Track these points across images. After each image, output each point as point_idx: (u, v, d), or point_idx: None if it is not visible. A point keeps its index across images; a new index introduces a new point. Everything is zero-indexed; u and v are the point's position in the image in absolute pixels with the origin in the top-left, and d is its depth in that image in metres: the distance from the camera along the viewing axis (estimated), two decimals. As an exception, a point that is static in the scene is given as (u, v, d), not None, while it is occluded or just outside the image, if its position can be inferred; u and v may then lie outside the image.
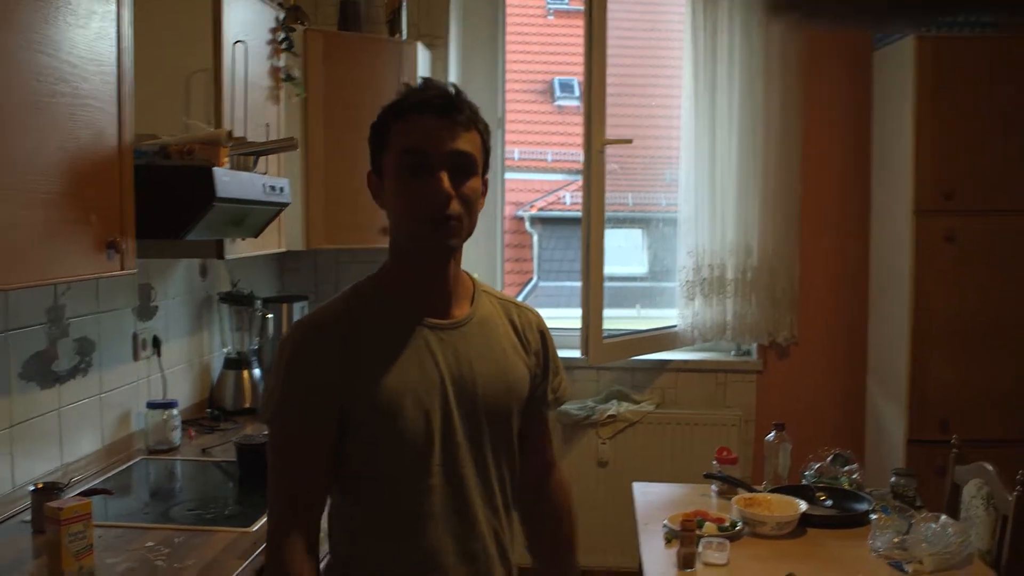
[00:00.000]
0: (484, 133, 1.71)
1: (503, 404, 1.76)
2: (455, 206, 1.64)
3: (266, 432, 3.13)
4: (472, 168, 1.67)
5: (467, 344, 1.74)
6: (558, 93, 10.80)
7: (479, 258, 4.80)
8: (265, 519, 2.46)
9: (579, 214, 4.15)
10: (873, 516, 2.84)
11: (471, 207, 1.68)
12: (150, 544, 2.30)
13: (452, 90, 1.71)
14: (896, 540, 2.68)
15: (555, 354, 1.92)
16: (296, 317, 4.21)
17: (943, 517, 2.70)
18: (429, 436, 1.67)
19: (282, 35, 3.47)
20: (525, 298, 8.96)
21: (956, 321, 3.96)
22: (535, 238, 10.30)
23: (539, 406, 1.90)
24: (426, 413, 1.67)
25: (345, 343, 1.67)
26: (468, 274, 1.84)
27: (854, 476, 3.23)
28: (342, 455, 1.69)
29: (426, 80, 1.77)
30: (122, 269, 2.33)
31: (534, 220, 10.28)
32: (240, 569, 2.18)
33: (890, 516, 2.80)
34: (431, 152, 1.63)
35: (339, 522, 1.77)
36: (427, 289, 1.74)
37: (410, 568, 1.70)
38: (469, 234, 1.71)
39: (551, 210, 10.26)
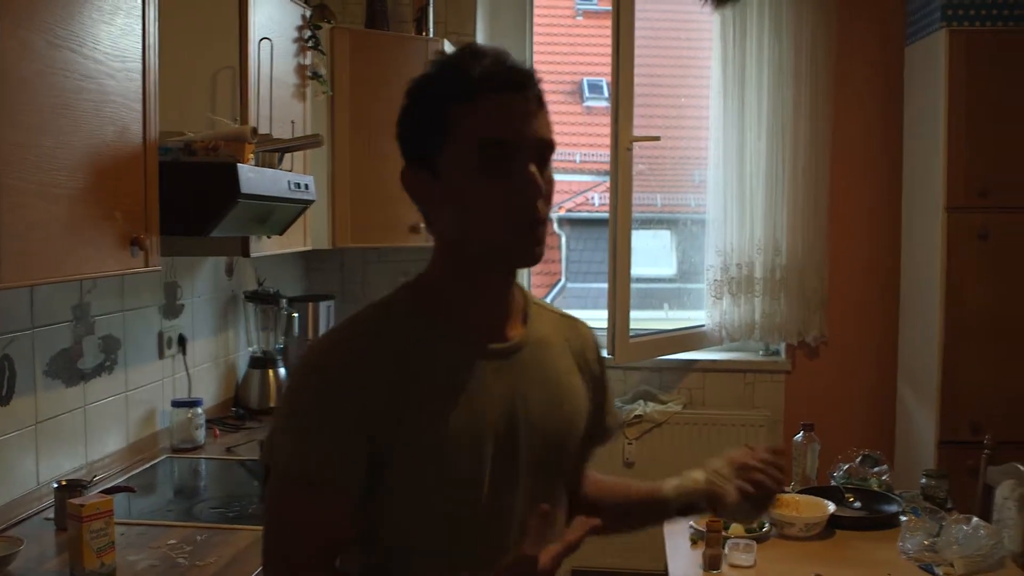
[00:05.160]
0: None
1: (561, 438, 1.50)
2: (544, 207, 1.36)
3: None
4: (550, 158, 1.39)
5: (523, 371, 1.46)
6: (587, 94, 10.77)
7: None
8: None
9: (607, 215, 4.13)
10: (903, 518, 2.81)
11: (550, 211, 1.40)
12: (172, 542, 2.31)
13: (511, 57, 1.39)
14: (927, 542, 2.65)
15: (607, 371, 1.67)
16: (322, 317, 4.22)
17: (975, 519, 2.66)
18: (476, 481, 1.39)
19: (308, 33, 3.47)
20: (553, 300, 8.95)
21: (988, 320, 3.91)
22: (563, 239, 10.29)
23: (594, 433, 1.63)
24: (475, 455, 1.39)
25: (373, 375, 1.35)
26: (519, 286, 1.54)
27: (884, 477, 3.19)
28: (370, 502, 1.39)
29: (472, 47, 1.40)
30: (146, 266, 2.32)
31: (562, 221, 10.26)
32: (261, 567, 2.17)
33: (920, 518, 2.78)
34: (517, 141, 1.33)
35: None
36: (483, 307, 1.45)
37: None
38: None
39: (580, 211, 10.24)
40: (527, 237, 1.35)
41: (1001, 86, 3.87)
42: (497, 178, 1.33)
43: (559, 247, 10.27)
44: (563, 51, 10.29)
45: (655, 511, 1.70)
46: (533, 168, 1.33)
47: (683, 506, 1.65)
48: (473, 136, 1.32)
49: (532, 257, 1.38)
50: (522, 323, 1.50)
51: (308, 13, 3.50)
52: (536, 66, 4.90)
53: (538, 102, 1.36)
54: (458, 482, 1.38)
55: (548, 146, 1.37)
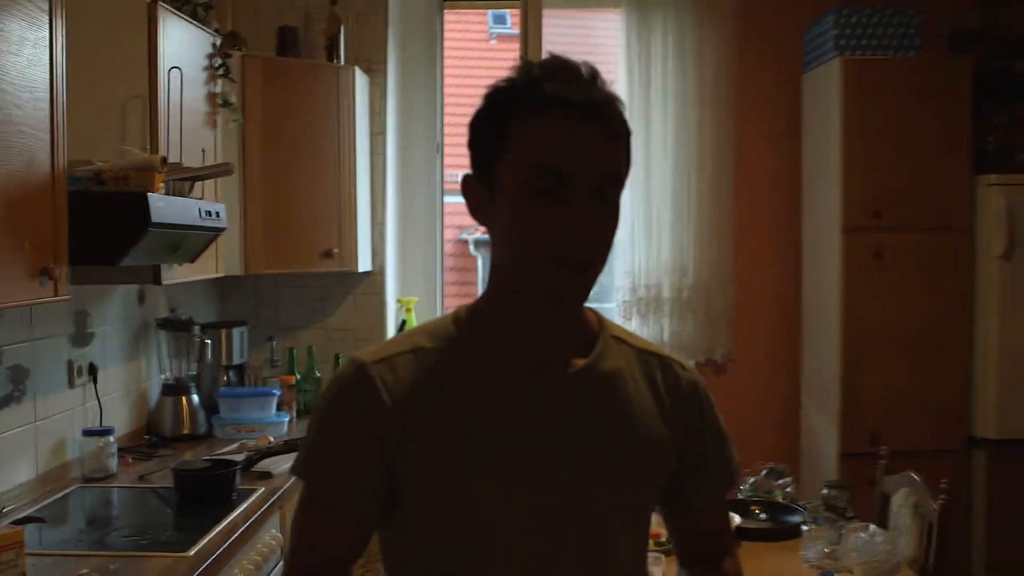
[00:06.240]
0: (630, 137, 1.31)
1: (619, 487, 1.34)
2: (596, 245, 1.25)
3: (206, 458, 3.14)
4: (618, 199, 1.28)
5: (578, 402, 1.33)
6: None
7: (420, 284, 4.85)
8: (205, 541, 2.49)
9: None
10: (805, 528, 2.90)
11: (608, 249, 1.29)
12: (84, 571, 2.28)
13: (599, 77, 1.27)
14: (827, 550, 2.74)
15: (716, 422, 1.49)
16: (235, 343, 4.21)
17: (872, 527, 2.77)
18: (507, 526, 1.29)
19: (219, 61, 3.49)
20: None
21: (884, 335, 4.07)
22: (480, 261, 10.34)
23: (700, 481, 1.47)
24: (504, 502, 1.28)
25: (404, 396, 1.29)
26: (595, 313, 1.43)
27: (788, 489, 3.29)
28: (393, 523, 1.35)
29: (556, 60, 1.28)
30: (56, 295, 2.32)
31: (478, 243, 10.31)
32: None
33: (821, 527, 2.87)
34: (576, 174, 1.22)
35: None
36: (532, 335, 1.34)
37: None
38: (599, 274, 1.31)
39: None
40: (568, 278, 1.26)
41: (892, 111, 4.05)
42: (547, 207, 1.22)
43: (476, 269, 10.33)
44: (477, 74, 10.37)
45: None
46: (589, 206, 1.23)
47: None
48: (529, 158, 1.23)
49: (566, 298, 1.30)
50: (587, 352, 1.37)
51: (218, 41, 3.52)
52: (448, 90, 5.00)
53: (610, 131, 1.25)
54: (486, 518, 1.28)
55: (612, 179, 1.26)
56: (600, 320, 1.42)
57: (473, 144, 1.30)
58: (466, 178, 1.32)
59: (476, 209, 1.32)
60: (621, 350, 1.40)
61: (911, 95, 4.05)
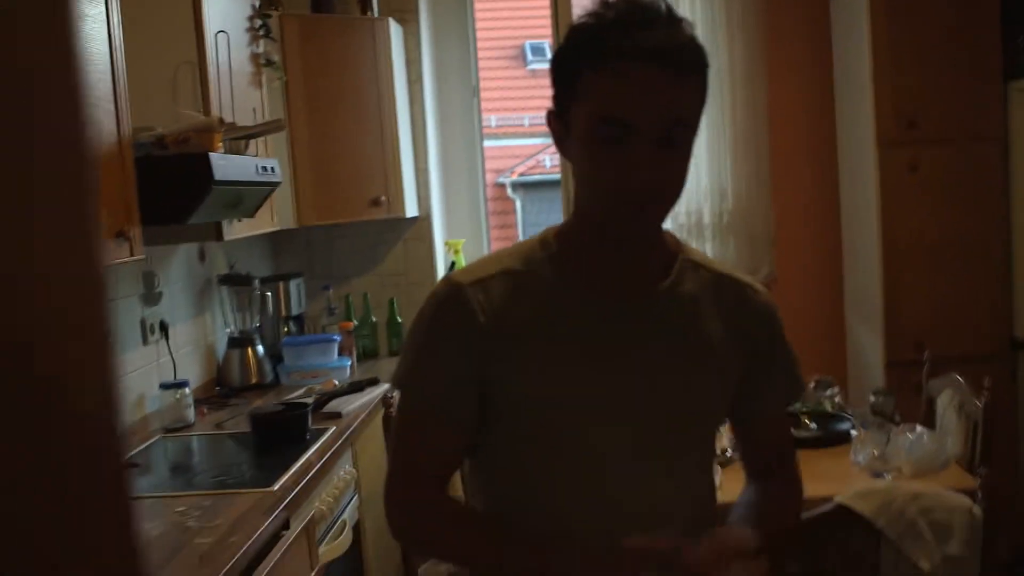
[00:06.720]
0: (706, 71, 1.33)
1: (692, 404, 1.43)
2: (662, 187, 1.31)
3: (277, 403, 3.29)
4: (687, 140, 1.32)
5: (654, 327, 1.42)
6: (530, 57, 10.87)
7: (465, 226, 4.96)
8: (286, 477, 2.64)
9: (559, 176, 4.27)
10: (854, 433, 3.01)
11: (677, 187, 1.34)
12: (180, 509, 2.46)
13: (673, 18, 1.29)
14: (876, 453, 2.85)
15: (784, 343, 1.56)
16: (293, 294, 4.37)
17: (919, 427, 2.87)
18: (588, 439, 1.39)
19: (259, 22, 3.60)
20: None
21: (923, 245, 4.09)
22: (518, 203, 10.41)
23: (768, 397, 1.55)
24: (587, 413, 1.38)
25: (498, 319, 1.39)
26: (673, 237, 1.50)
27: (836, 399, 3.40)
28: (479, 445, 1.46)
29: (632, 2, 1.30)
30: (132, 256, 2.48)
31: (516, 186, 10.37)
32: (267, 523, 2.34)
33: (869, 431, 2.98)
34: (640, 124, 1.27)
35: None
36: (614, 259, 1.42)
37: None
38: (670, 209, 1.39)
39: (532, 175, 10.35)
40: (635, 216, 1.32)
41: (921, 19, 4.00)
42: (611, 153, 1.28)
43: (515, 211, 10.40)
44: (504, 15, 10.37)
45: None
46: (653, 151, 1.26)
47: None
48: (594, 109, 1.29)
49: (639, 235, 1.38)
50: (667, 278, 1.44)
51: (257, 3, 3.63)
52: (479, 32, 5.07)
53: (679, 75, 1.27)
54: (565, 434, 1.38)
55: (679, 124, 1.30)
56: (678, 244, 1.49)
57: (553, 84, 1.36)
58: (549, 113, 1.39)
59: (558, 143, 1.40)
60: (697, 274, 1.47)
61: (939, 2, 4.05)
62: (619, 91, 1.26)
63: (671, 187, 1.32)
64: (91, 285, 0.52)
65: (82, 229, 0.51)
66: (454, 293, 1.41)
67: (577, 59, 1.31)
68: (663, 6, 1.29)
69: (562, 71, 1.34)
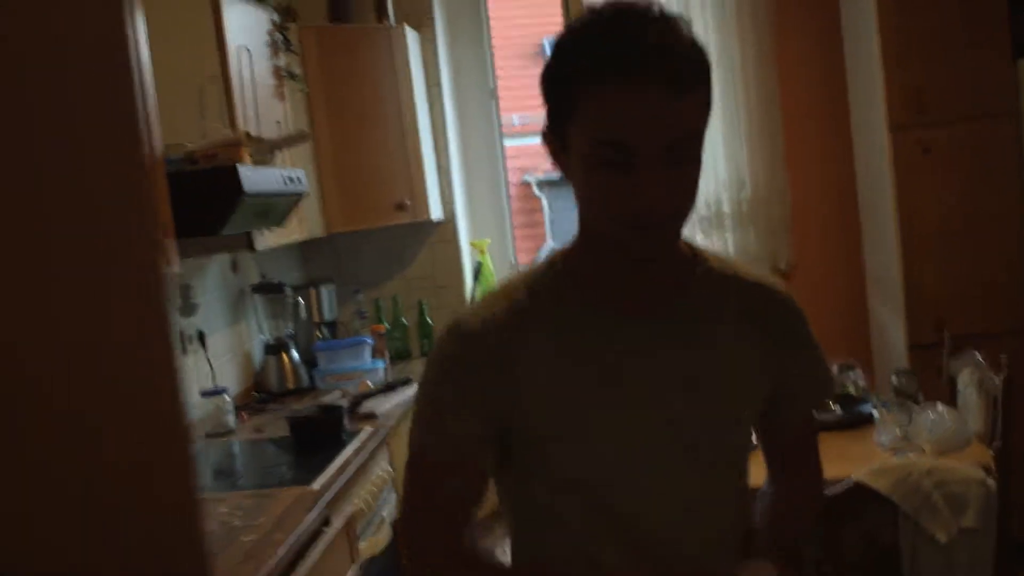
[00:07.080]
0: (710, 79, 1.25)
1: (718, 415, 1.38)
2: (674, 207, 1.24)
3: (314, 406, 3.37)
4: (696, 151, 1.25)
5: (674, 342, 1.36)
6: (548, 53, 10.90)
7: (490, 227, 5.04)
8: (325, 476, 2.73)
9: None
10: (875, 413, 3.06)
11: (690, 199, 1.26)
12: (224, 510, 2.54)
13: (668, 24, 1.20)
14: (899, 433, 2.90)
15: (812, 344, 1.50)
16: (324, 300, 4.46)
17: (940, 405, 2.92)
18: (614, 466, 1.35)
19: (279, 36, 3.69)
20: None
21: (940, 226, 4.09)
22: (544, 201, 10.44)
23: (794, 396, 1.49)
24: (612, 438, 1.33)
25: (508, 356, 1.33)
26: (688, 245, 1.42)
27: (860, 383, 3.44)
28: (507, 473, 1.42)
29: (618, 7, 1.22)
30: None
31: (542, 184, 10.40)
32: (308, 520, 2.42)
33: (891, 411, 3.02)
34: (642, 146, 1.19)
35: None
36: (629, 279, 1.36)
37: None
38: (686, 222, 1.31)
39: (555, 172, 10.35)
40: (641, 238, 1.25)
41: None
42: (616, 178, 1.21)
43: (542, 210, 10.44)
44: (521, 14, 10.41)
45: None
46: (657, 172, 1.19)
47: None
48: (591, 132, 1.21)
49: (642, 256, 1.30)
50: (685, 288, 1.39)
51: (276, 18, 3.72)
52: (497, 32, 5.14)
53: (678, 88, 1.18)
54: (590, 461, 1.34)
55: (690, 144, 1.23)
56: (694, 252, 1.42)
57: (545, 101, 1.29)
58: (544, 131, 1.32)
59: (555, 160, 1.33)
60: (714, 279, 1.40)
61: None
62: (617, 113, 1.18)
63: (683, 203, 1.26)
64: (155, 290, 0.61)
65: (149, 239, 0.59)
66: (459, 343, 1.36)
67: (568, 78, 1.23)
68: (656, 9, 1.20)
69: (553, 90, 1.26)
